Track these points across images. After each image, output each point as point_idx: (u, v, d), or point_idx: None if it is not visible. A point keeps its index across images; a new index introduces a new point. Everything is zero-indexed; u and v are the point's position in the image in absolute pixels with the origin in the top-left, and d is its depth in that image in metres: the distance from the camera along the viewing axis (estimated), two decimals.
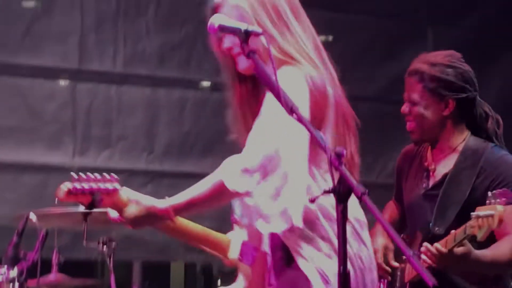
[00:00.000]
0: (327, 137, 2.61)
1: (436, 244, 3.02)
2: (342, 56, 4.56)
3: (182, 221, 2.94)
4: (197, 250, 5.29)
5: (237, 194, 2.51)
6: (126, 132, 5.37)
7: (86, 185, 2.63)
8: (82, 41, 5.20)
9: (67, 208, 4.06)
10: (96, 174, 2.61)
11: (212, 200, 2.58)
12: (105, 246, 4.20)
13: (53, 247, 4.27)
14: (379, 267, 3.36)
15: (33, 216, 3.89)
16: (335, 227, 2.37)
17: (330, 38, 5.44)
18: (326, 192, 2.28)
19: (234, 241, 3.10)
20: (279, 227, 2.55)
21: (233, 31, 2.43)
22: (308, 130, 2.28)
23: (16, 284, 3.84)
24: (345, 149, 2.32)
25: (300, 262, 2.61)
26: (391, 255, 3.51)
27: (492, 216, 2.90)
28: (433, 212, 3.27)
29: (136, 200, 2.63)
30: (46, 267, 4.15)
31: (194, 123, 5.24)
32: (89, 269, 6.05)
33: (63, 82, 5.35)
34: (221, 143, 5.07)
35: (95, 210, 2.72)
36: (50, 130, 5.17)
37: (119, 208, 2.65)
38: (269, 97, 2.47)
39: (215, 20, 2.47)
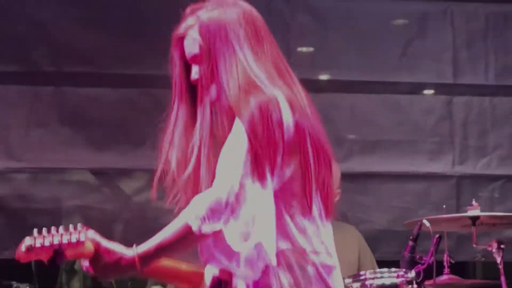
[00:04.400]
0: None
1: None
2: None
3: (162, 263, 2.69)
4: None
5: (204, 236, 2.33)
6: (501, 140, 5.51)
7: (46, 241, 2.46)
8: (455, 58, 5.44)
9: (454, 214, 4.40)
10: (61, 228, 2.45)
11: (180, 244, 2.40)
12: (496, 248, 4.18)
13: (443, 250, 4.31)
14: None
15: (426, 222, 4.02)
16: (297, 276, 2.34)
17: None
18: None
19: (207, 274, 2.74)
20: (252, 271, 2.42)
21: None
22: None
23: (415, 285, 4.00)
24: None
25: None
26: None
27: None
28: None
29: (106, 249, 2.44)
30: (438, 269, 4.16)
31: None
32: (472, 269, 6.03)
33: (440, 97, 5.56)
34: None
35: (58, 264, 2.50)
36: (430, 142, 5.44)
37: (87, 258, 2.48)
38: (236, 127, 2.34)
39: None
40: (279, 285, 2.37)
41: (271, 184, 2.32)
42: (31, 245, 2.35)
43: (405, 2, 5.58)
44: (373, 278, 4.12)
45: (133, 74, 4.90)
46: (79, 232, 2.39)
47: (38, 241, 2.37)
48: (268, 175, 2.32)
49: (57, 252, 2.42)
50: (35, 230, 2.37)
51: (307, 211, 2.42)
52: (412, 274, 3.99)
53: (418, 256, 3.96)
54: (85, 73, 5.31)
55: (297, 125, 2.35)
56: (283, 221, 2.39)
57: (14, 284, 4.95)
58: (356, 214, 5.39)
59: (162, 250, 2.35)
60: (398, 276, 4.07)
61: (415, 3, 5.56)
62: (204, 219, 2.27)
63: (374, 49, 5.45)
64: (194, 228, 2.25)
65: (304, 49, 5.67)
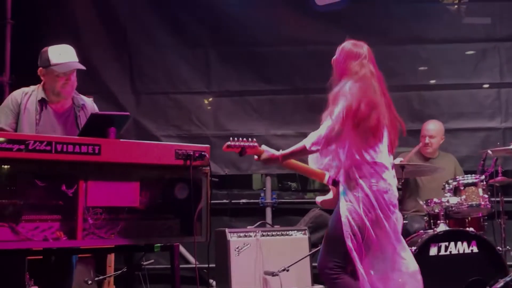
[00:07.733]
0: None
1: None
2: None
3: (296, 162, 3.61)
4: None
5: (311, 152, 3.34)
6: None
7: (237, 143, 3.31)
8: (501, 69, 7.06)
9: (503, 147, 5.27)
10: (245, 139, 3.31)
11: (300, 154, 3.43)
12: None
13: (498, 165, 5.39)
14: None
15: (489, 151, 5.19)
16: (369, 173, 3.29)
17: None
18: None
19: (327, 174, 3.65)
20: (332, 172, 3.43)
21: None
22: None
23: (484, 182, 5.16)
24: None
25: (341, 188, 3.42)
26: None
27: None
28: None
29: (265, 150, 3.45)
30: (495, 174, 5.30)
31: None
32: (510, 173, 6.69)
33: (493, 89, 7.10)
34: None
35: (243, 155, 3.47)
36: (489, 111, 7.07)
37: (257, 154, 3.46)
38: (328, 107, 3.29)
39: None
40: (356, 174, 3.37)
41: (352, 128, 3.25)
42: (230, 144, 3.35)
43: (472, 44, 7.25)
44: (462, 179, 5.48)
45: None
46: (254, 142, 3.39)
47: (233, 143, 3.32)
48: (351, 124, 3.27)
49: (243, 149, 3.34)
50: (231, 138, 3.31)
51: (374, 144, 3.40)
52: (483, 177, 5.38)
53: (485, 168, 5.38)
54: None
55: (373, 104, 3.34)
56: (359, 147, 3.34)
57: None
58: (453, 149, 6.72)
59: (292, 154, 3.46)
60: (475, 178, 5.42)
61: (477, 44, 7.26)
62: (312, 144, 3.33)
63: (463, 68, 7.15)
64: (307, 147, 3.35)
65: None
